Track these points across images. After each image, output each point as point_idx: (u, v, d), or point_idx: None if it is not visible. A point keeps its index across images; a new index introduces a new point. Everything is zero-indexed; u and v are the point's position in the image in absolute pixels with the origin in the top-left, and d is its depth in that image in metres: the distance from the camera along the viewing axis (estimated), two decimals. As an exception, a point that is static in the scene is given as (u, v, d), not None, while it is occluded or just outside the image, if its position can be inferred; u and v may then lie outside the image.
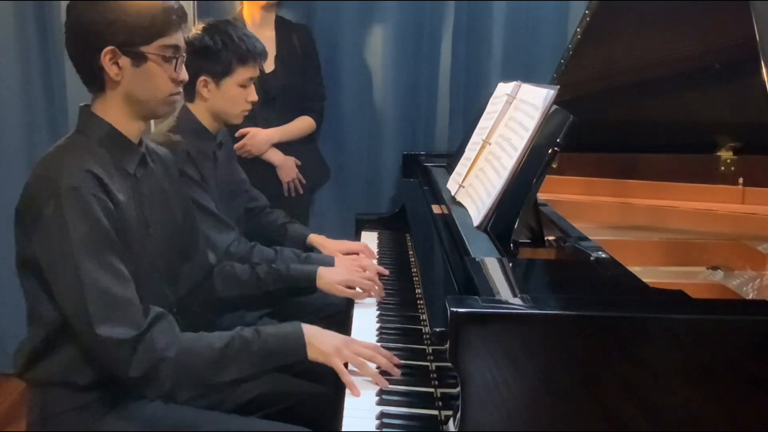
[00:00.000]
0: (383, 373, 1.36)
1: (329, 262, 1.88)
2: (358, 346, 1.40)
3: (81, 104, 1.44)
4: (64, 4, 2.59)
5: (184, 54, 1.44)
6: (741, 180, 2.07)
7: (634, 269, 1.27)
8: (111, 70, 1.36)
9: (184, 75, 1.44)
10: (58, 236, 1.27)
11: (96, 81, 1.39)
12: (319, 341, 1.38)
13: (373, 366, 1.36)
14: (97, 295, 1.27)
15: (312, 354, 1.38)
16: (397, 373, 1.36)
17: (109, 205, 1.32)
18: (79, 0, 1.37)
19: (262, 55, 1.92)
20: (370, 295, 1.74)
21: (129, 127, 1.43)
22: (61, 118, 2.76)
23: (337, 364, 1.36)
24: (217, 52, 1.83)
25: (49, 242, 1.29)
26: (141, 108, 1.42)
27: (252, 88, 1.93)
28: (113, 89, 1.39)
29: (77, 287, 1.27)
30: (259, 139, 2.51)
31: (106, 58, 1.35)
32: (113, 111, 1.41)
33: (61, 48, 2.66)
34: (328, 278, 1.73)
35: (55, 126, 2.78)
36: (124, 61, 1.36)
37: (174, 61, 1.40)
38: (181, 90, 1.46)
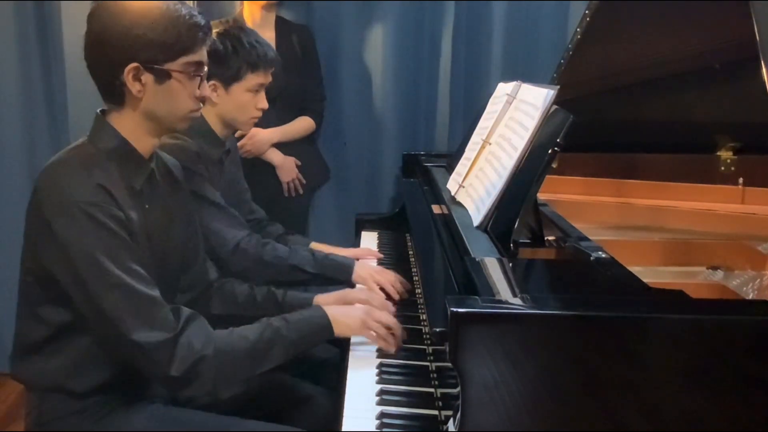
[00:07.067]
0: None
1: (349, 264, 1.84)
2: (378, 314, 1.48)
3: (98, 110, 1.40)
4: (64, 4, 2.64)
5: (206, 70, 1.41)
6: (741, 180, 2.07)
7: (634, 269, 1.27)
8: (133, 87, 1.33)
9: (205, 91, 1.42)
10: (78, 250, 1.26)
11: (115, 95, 1.35)
12: (344, 317, 1.45)
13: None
14: (131, 301, 1.27)
15: (339, 330, 1.44)
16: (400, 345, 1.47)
17: (122, 216, 1.31)
18: (103, 9, 1.32)
19: (274, 62, 1.89)
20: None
21: (143, 142, 1.39)
22: (61, 119, 2.76)
23: (367, 335, 1.46)
24: (227, 57, 1.80)
25: (68, 256, 1.27)
26: (159, 124, 1.39)
27: (262, 95, 1.89)
28: (133, 104, 1.36)
29: (109, 296, 1.26)
30: (259, 139, 2.51)
31: (129, 75, 1.32)
32: (129, 125, 1.37)
33: (61, 48, 2.70)
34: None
35: (55, 126, 2.78)
36: (147, 77, 1.33)
37: (197, 78, 1.38)
38: (201, 106, 1.43)
